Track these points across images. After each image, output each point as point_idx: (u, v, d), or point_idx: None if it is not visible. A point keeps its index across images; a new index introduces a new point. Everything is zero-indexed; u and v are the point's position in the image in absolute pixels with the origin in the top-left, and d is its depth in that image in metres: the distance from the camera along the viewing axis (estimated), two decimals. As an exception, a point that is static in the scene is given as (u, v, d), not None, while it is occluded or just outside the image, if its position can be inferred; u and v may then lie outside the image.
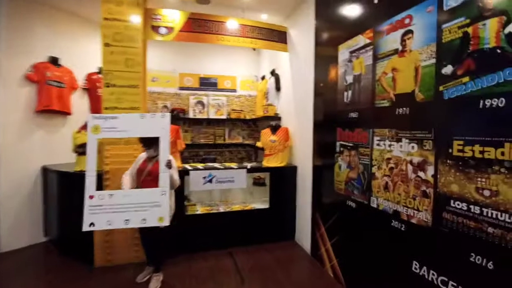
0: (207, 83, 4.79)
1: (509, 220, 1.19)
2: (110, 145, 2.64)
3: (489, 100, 1.27)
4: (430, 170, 1.55)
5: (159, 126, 2.09)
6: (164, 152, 2.09)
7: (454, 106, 1.44)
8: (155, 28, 2.92)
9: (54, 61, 3.33)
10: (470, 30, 1.37)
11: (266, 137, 3.51)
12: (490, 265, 1.25)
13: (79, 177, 2.77)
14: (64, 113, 3.43)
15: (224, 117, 4.75)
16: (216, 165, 3.44)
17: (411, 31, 1.71)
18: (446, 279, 1.46)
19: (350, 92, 2.31)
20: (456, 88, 1.43)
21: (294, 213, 3.38)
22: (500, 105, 1.23)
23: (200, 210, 3.18)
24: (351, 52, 2.29)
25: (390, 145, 1.85)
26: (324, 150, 2.72)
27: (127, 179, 2.32)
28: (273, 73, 4.12)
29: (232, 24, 3.18)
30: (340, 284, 2.39)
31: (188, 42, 3.18)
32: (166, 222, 2.05)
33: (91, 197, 1.99)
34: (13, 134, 3.06)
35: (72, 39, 3.58)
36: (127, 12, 2.66)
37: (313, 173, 2.93)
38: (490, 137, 1.27)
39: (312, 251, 2.94)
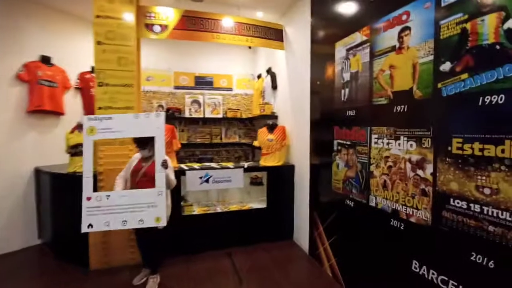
0: (202, 82, 4.74)
1: (510, 219, 1.17)
2: (104, 146, 2.59)
3: (489, 97, 1.26)
4: (429, 168, 1.53)
5: (154, 125, 2.07)
6: (160, 152, 2.08)
7: (453, 103, 1.42)
8: (149, 26, 2.87)
9: (45, 60, 3.26)
10: (468, 26, 1.35)
11: (263, 136, 3.48)
12: (491, 264, 1.24)
13: (73, 178, 2.74)
14: (57, 113, 3.37)
15: (220, 116, 4.70)
16: (213, 164, 3.40)
17: (408, 28, 1.69)
18: (446, 278, 1.44)
19: (347, 90, 2.28)
20: (454, 85, 1.41)
21: (292, 213, 3.36)
22: (499, 102, 1.22)
23: (197, 210, 3.15)
24: (348, 50, 2.26)
25: (388, 143, 1.83)
26: (321, 149, 2.70)
27: (119, 181, 2.28)
28: (269, 71, 4.09)
29: (227, 21, 3.14)
30: (339, 283, 2.38)
31: (182, 40, 3.13)
32: (163, 223, 2.05)
33: (88, 198, 2.00)
34: (4, 135, 3.00)
35: (64, 38, 3.51)
36: (120, 9, 2.60)
37: (310, 172, 2.91)
38: (489, 134, 1.25)
39: (310, 250, 2.92)
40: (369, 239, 2.03)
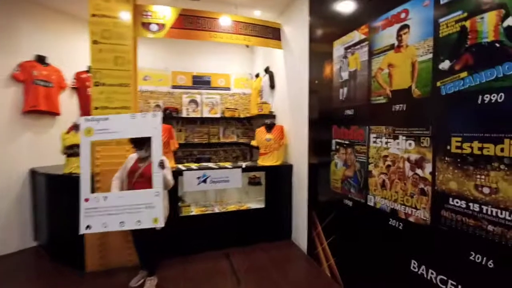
0: (200, 82, 4.71)
1: (509, 218, 1.16)
2: (101, 146, 2.56)
3: (488, 96, 1.25)
4: (428, 168, 1.52)
5: (151, 125, 2.07)
6: (157, 152, 2.07)
7: (452, 102, 1.41)
8: (146, 25, 2.84)
9: (41, 59, 3.22)
10: (467, 24, 1.34)
11: (261, 135, 3.46)
12: (490, 264, 1.23)
13: (69, 179, 2.71)
14: (52, 113, 3.33)
15: (218, 115, 4.68)
16: (211, 164, 3.38)
17: (407, 26, 1.68)
18: (445, 278, 1.44)
19: (345, 89, 2.27)
20: (453, 83, 1.40)
21: (290, 212, 3.35)
22: (499, 100, 1.21)
23: (194, 211, 3.13)
24: (346, 48, 2.25)
25: (387, 143, 1.82)
26: (319, 148, 2.68)
27: (116, 182, 2.26)
28: (267, 70, 4.07)
29: (225, 20, 3.11)
30: (338, 283, 2.37)
31: (179, 39, 3.10)
32: (161, 223, 2.05)
33: (86, 200, 2.01)
34: (-1, 136, 2.96)
35: (60, 37, 3.47)
36: (116, 8, 2.57)
37: (309, 171, 2.89)
38: (489, 133, 1.24)
39: (308, 250, 2.91)
40: (368, 239, 2.02)
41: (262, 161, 3.40)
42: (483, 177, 1.26)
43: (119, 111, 2.59)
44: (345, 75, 2.27)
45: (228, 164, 3.35)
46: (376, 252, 1.94)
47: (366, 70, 2.02)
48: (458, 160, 1.36)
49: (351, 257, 2.22)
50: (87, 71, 3.62)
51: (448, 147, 1.41)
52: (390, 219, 1.79)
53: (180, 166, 3.16)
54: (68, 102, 3.57)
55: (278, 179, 3.29)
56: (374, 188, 1.94)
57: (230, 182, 3.04)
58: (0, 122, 2.96)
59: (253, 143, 3.71)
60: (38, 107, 3.14)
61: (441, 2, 1.46)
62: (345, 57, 2.27)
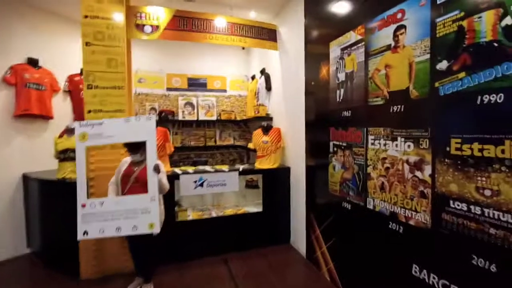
0: (196, 84, 4.67)
1: (511, 221, 1.14)
2: (95, 150, 2.51)
3: (487, 96, 1.23)
4: (428, 170, 1.50)
5: (145, 129, 2.03)
6: (152, 156, 2.03)
7: (451, 103, 1.39)
8: (140, 27, 2.80)
9: (33, 62, 3.17)
10: (465, 23, 1.32)
11: (258, 138, 3.43)
12: (493, 268, 1.20)
13: (62, 185, 2.66)
14: (45, 117, 3.27)
15: (214, 118, 4.64)
16: (207, 168, 3.33)
17: (403, 26, 1.66)
18: (447, 282, 1.41)
19: (342, 90, 2.25)
20: (452, 84, 1.38)
21: (289, 216, 3.31)
22: (498, 100, 1.19)
23: (191, 215, 3.08)
24: (343, 49, 2.23)
25: (385, 144, 1.79)
26: (317, 151, 2.66)
27: (112, 188, 2.23)
28: (263, 72, 4.04)
29: (220, 22, 3.08)
30: None
31: (174, 40, 3.06)
32: (157, 229, 2.02)
33: (83, 205, 2.00)
34: (-10, 141, 2.90)
35: (52, 39, 3.42)
36: (109, 9, 2.53)
37: (306, 174, 2.86)
38: (489, 134, 1.22)
39: (307, 254, 2.87)
40: (368, 242, 1.98)
41: (260, 164, 3.37)
42: (484, 179, 1.23)
43: (113, 114, 2.54)
44: (341, 76, 2.25)
45: (225, 167, 3.30)
46: (376, 256, 1.91)
47: (363, 71, 2.00)
48: (458, 162, 1.33)
49: (351, 261, 2.19)
50: (80, 74, 3.57)
51: (448, 149, 1.38)
52: (390, 222, 1.76)
53: (176, 170, 3.12)
54: (61, 105, 3.51)
55: (275, 182, 3.25)
56: (373, 190, 1.91)
57: (227, 185, 3.00)
58: (-9, 126, 2.90)
59: (250, 145, 3.67)
60: (30, 110, 3.08)
61: (438, 2, 1.44)
62: (342, 58, 2.24)
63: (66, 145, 2.69)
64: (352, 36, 2.11)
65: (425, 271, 1.53)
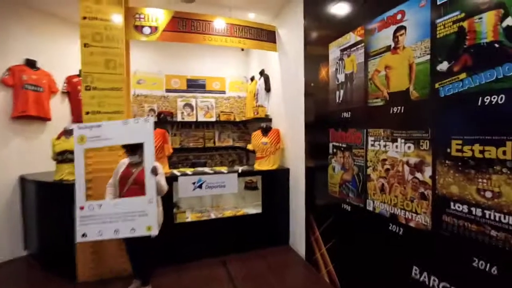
0: (195, 85, 4.66)
1: (513, 223, 1.13)
2: (92, 152, 2.48)
3: (488, 97, 1.22)
4: (428, 171, 1.49)
5: (143, 131, 2.03)
6: (149, 159, 2.02)
7: (451, 104, 1.38)
8: (138, 28, 2.79)
9: (31, 63, 3.15)
10: (465, 24, 1.31)
11: (257, 139, 3.42)
12: (494, 271, 1.19)
13: (59, 187, 2.64)
14: (43, 118, 3.25)
15: (213, 119, 4.63)
16: (206, 169, 3.32)
17: (403, 27, 1.65)
18: (448, 285, 1.39)
19: (342, 91, 2.24)
20: (452, 85, 1.37)
21: (288, 217, 3.29)
22: (499, 102, 1.18)
23: (190, 217, 3.06)
24: (342, 50, 2.22)
25: (385, 146, 1.78)
26: (316, 152, 2.65)
27: (110, 190, 2.22)
28: (262, 73, 4.04)
29: (219, 23, 3.07)
30: (337, 290, 2.32)
31: (173, 42, 3.05)
32: (154, 232, 2.01)
33: (81, 207, 2.00)
34: (-13, 142, 2.87)
35: (51, 41, 3.40)
36: (107, 11, 2.52)
37: (306, 175, 2.85)
38: (490, 135, 1.21)
39: (307, 256, 2.85)
40: (367, 244, 1.97)
41: (259, 165, 3.35)
42: (485, 181, 1.22)
43: (112, 115, 2.52)
44: (341, 77, 2.24)
45: (224, 169, 3.29)
46: (376, 258, 1.90)
47: (362, 72, 1.99)
48: (459, 163, 1.32)
49: (350, 262, 2.17)
50: (79, 75, 3.55)
51: (448, 150, 1.37)
52: (390, 224, 1.75)
53: (175, 171, 3.10)
54: (59, 107, 3.49)
55: (275, 183, 3.24)
56: (373, 192, 1.90)
57: (226, 187, 2.99)
58: (-12, 128, 2.88)
59: (249, 147, 3.66)
60: (28, 112, 3.07)
61: (438, 3, 1.44)
62: (341, 59, 2.24)
63: (64, 147, 2.67)
64: (352, 37, 2.10)
65: (425, 273, 1.52)
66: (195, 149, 4.62)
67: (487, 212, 1.22)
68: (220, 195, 3.41)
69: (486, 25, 1.22)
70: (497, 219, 1.18)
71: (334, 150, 2.33)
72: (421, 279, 1.53)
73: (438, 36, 1.44)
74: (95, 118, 2.48)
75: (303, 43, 2.81)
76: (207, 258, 2.91)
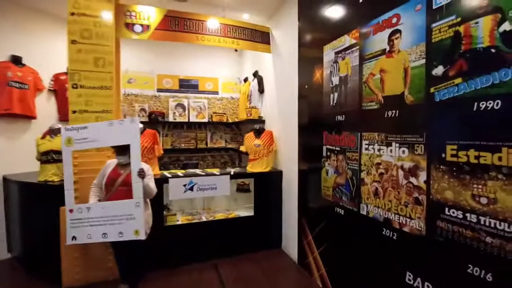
0: (187, 85, 4.59)
1: (508, 230, 1.12)
2: (78, 152, 2.39)
3: (484, 102, 1.21)
4: (422, 176, 1.47)
5: (129, 132, 1.99)
6: (136, 160, 1.97)
7: (446, 109, 1.37)
8: (129, 26, 2.72)
9: (16, 60, 3.04)
10: (461, 29, 1.30)
11: (250, 141, 3.38)
12: (489, 277, 1.18)
13: (43, 188, 2.54)
14: (27, 116, 3.13)
15: (205, 120, 4.56)
16: (198, 171, 3.25)
17: (399, 31, 1.64)
18: (442, 291, 1.38)
19: (336, 94, 2.22)
20: (447, 89, 1.36)
21: (280, 220, 3.26)
22: (495, 107, 1.17)
23: (180, 220, 2.99)
24: (337, 53, 2.21)
25: (379, 150, 1.77)
26: (310, 155, 2.62)
27: (94, 190, 2.16)
28: (256, 74, 4.00)
29: (212, 23, 3.03)
30: (329, 294, 2.29)
31: (165, 41, 2.99)
32: (141, 236, 1.97)
33: (71, 211, 2.00)
34: (-33, 141, 2.75)
35: (37, 37, 3.29)
36: (97, 7, 2.44)
37: (299, 178, 2.82)
38: (486, 141, 1.20)
39: (299, 259, 2.82)
40: (361, 248, 1.95)
41: (251, 167, 3.31)
42: (480, 186, 1.21)
43: (99, 115, 2.44)
44: (335, 80, 2.23)
45: (216, 171, 3.23)
46: (369, 263, 1.88)
47: (357, 75, 1.98)
48: (454, 168, 1.31)
49: (343, 267, 2.15)
50: (66, 73, 3.44)
51: (443, 155, 1.36)
52: (384, 228, 1.73)
53: (166, 173, 3.03)
54: (45, 105, 3.38)
55: (267, 186, 3.20)
56: (367, 196, 1.88)
57: (218, 189, 2.93)
58: (-31, 126, 2.75)
59: (242, 148, 3.61)
60: (12, 110, 2.95)
61: (434, 7, 1.43)
62: (336, 62, 2.22)
63: (49, 147, 2.58)
64: (347, 40, 2.09)
65: (419, 279, 1.50)
66: (187, 150, 4.54)
67: (482, 218, 1.21)
68: (212, 197, 3.36)
69: (483, 30, 1.22)
70: (492, 225, 1.17)
71: (328, 153, 2.31)
72: (415, 284, 1.52)
73: (433, 40, 1.43)
74: (82, 117, 2.40)
75: (298, 45, 2.79)
76: (198, 262, 2.84)
